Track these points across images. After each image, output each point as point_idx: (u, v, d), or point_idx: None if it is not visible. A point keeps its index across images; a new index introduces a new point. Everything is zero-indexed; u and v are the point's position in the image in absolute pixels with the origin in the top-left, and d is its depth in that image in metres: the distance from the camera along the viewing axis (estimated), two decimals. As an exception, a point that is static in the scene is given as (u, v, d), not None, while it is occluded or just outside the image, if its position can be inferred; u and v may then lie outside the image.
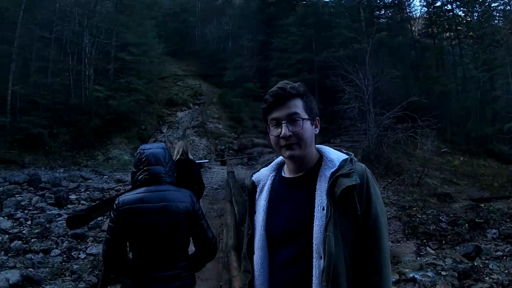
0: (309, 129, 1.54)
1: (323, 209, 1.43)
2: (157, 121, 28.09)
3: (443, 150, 23.58)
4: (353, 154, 1.59)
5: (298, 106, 1.53)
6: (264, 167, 1.78)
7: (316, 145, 1.62)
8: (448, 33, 30.61)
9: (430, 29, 30.80)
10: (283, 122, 1.51)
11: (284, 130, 1.50)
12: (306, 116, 1.53)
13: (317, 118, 1.61)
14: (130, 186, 2.64)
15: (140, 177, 2.52)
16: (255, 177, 1.74)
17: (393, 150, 20.01)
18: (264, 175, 1.73)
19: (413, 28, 33.83)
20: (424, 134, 18.84)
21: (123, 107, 24.39)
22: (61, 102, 24.34)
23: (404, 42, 29.20)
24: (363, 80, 21.07)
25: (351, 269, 1.42)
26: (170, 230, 2.45)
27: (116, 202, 2.47)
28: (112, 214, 2.46)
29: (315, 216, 1.44)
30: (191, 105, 30.77)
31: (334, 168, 1.48)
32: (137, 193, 2.47)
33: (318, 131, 1.61)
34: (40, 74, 23.97)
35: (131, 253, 2.56)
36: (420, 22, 34.75)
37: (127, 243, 2.49)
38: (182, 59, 40.95)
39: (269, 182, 1.66)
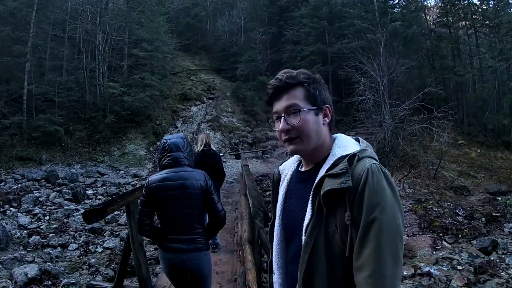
0: (311, 121, 1.41)
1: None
2: (172, 116, 28.24)
3: (459, 142, 23.24)
4: (365, 146, 1.41)
5: (297, 96, 1.42)
6: (291, 157, 1.74)
7: (335, 135, 1.51)
8: (463, 22, 29.96)
9: (445, 18, 30.17)
10: (282, 115, 1.44)
11: (282, 124, 1.43)
12: (309, 107, 1.41)
13: (327, 106, 1.46)
14: (145, 181, 3.25)
15: (164, 161, 3.19)
16: (281, 166, 1.72)
17: (409, 142, 19.75)
18: (288, 166, 1.69)
19: (428, 17, 33.30)
20: (440, 125, 18.55)
21: (137, 103, 24.57)
22: (76, 99, 24.72)
23: (419, 32, 28.68)
24: (378, 71, 20.80)
25: None
26: (187, 202, 3.08)
27: (147, 181, 3.18)
28: (143, 190, 3.14)
29: (305, 217, 1.36)
30: (204, 99, 30.87)
31: (328, 166, 1.36)
32: (162, 174, 3.14)
33: (328, 120, 1.46)
34: (55, 73, 24.27)
35: (158, 222, 3.25)
36: (435, 11, 34.13)
37: (155, 213, 3.17)
38: (195, 53, 41.15)
39: (289, 173, 1.61)
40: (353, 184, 1.22)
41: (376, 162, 1.30)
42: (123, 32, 27.80)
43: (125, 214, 10.84)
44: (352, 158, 1.30)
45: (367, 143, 1.47)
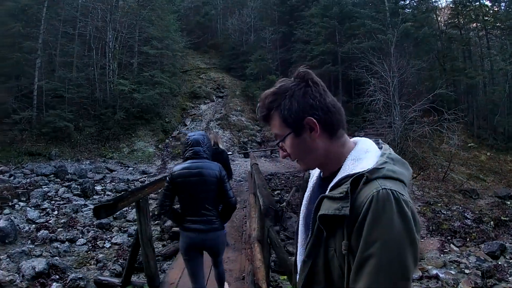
0: (295, 144, 1.27)
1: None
2: (181, 113, 28.32)
3: (469, 145, 23.02)
4: (382, 161, 1.15)
5: (275, 124, 1.29)
6: None
7: (358, 139, 1.33)
8: (474, 24, 29.70)
9: (456, 20, 29.90)
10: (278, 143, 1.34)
11: (280, 153, 1.35)
12: (287, 131, 1.26)
13: (308, 118, 1.22)
14: (154, 178, 4.02)
15: (186, 154, 3.75)
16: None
17: (418, 144, 19.64)
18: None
19: (439, 18, 32.99)
20: (450, 128, 18.41)
21: (147, 100, 24.72)
22: (86, 96, 24.98)
23: (430, 33, 28.43)
24: (388, 72, 20.69)
25: None
26: (203, 188, 3.59)
27: (171, 170, 3.75)
28: (167, 178, 3.69)
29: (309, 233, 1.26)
30: (214, 97, 30.93)
31: (332, 184, 1.21)
32: (184, 164, 3.68)
33: (317, 131, 1.23)
34: (65, 69, 24.51)
35: (178, 206, 3.75)
36: (446, 12, 33.82)
37: (175, 198, 3.68)
38: (205, 52, 41.25)
39: (315, 175, 1.47)
40: (353, 212, 1.05)
41: (388, 186, 1.05)
42: (134, 30, 27.93)
43: (133, 210, 11.00)
44: (358, 180, 1.09)
45: (390, 153, 1.21)
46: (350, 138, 1.33)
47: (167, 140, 25.09)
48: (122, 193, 11.29)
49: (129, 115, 24.56)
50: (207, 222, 3.61)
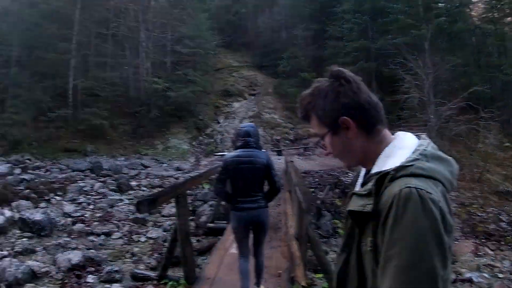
0: (333, 143, 1.27)
1: None
2: (214, 111, 28.63)
3: (505, 144, 22.21)
4: (413, 158, 1.08)
5: (314, 123, 1.31)
6: None
7: (397, 133, 1.28)
8: (509, 18, 28.67)
9: (490, 14, 28.91)
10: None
11: (323, 151, 1.36)
12: (324, 131, 1.27)
13: (340, 118, 1.21)
14: (188, 175, 4.46)
15: (238, 143, 4.18)
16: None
17: (453, 143, 19.11)
18: None
19: (473, 13, 31.98)
20: (486, 126, 17.82)
21: (180, 98, 25.15)
22: (121, 94, 25.59)
23: (464, 28, 27.61)
24: (423, 68, 20.22)
25: None
26: (253, 174, 4.03)
27: (225, 157, 4.21)
28: (222, 164, 4.17)
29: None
30: (246, 95, 31.10)
31: (362, 181, 1.25)
32: (236, 152, 4.11)
33: (352, 130, 1.22)
34: (99, 69, 25.33)
35: (230, 189, 4.16)
36: (480, 6, 32.71)
37: (228, 182, 4.12)
38: (236, 50, 41.39)
39: (363, 172, 1.39)
40: (378, 211, 1.03)
41: (413, 185, 0.99)
42: (166, 29, 28.37)
43: (168, 205, 11.16)
44: (383, 178, 1.06)
45: (425, 149, 1.14)
46: (393, 133, 1.29)
47: (200, 137, 25.43)
48: (163, 188, 11.50)
49: (163, 113, 24.99)
50: (255, 202, 4.07)
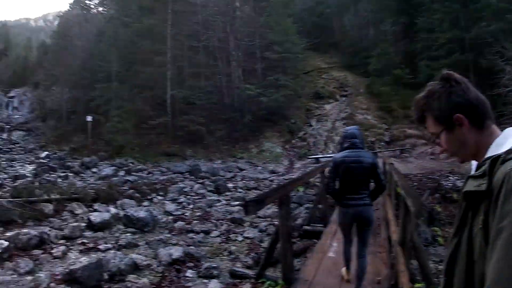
0: (450, 140, 1.37)
1: None
2: (306, 114, 28.34)
3: None
4: None
5: (429, 124, 1.41)
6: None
7: (505, 130, 1.30)
8: None
9: None
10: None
11: (439, 149, 1.46)
12: (440, 129, 1.38)
13: (454, 116, 1.31)
14: (282, 177, 5.30)
15: (345, 145, 4.45)
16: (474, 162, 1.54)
17: None
18: None
19: None
20: None
21: (272, 103, 25.41)
22: (215, 102, 26.64)
23: None
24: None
25: None
26: (360, 173, 4.28)
27: (333, 158, 4.57)
28: (331, 165, 4.50)
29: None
30: (338, 97, 30.34)
31: (476, 165, 1.30)
32: (343, 153, 4.39)
33: (467, 125, 1.31)
34: (194, 79, 26.79)
35: (338, 186, 4.45)
36: None
37: (337, 180, 4.42)
38: (325, 51, 40.67)
39: (474, 165, 1.43)
40: (490, 190, 1.07)
41: None
42: (254, 37, 28.86)
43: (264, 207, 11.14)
44: (495, 161, 1.12)
45: None
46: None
47: (293, 141, 25.35)
48: (267, 190, 11.59)
49: (256, 118, 25.44)
50: (361, 199, 4.32)
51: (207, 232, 9.64)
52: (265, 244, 8.40)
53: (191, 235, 9.43)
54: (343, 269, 4.81)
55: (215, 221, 10.69)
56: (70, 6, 49.53)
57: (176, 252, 7.59)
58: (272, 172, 19.46)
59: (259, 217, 11.28)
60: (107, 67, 27.19)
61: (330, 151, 22.34)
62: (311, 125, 26.78)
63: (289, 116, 27.24)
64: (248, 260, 7.74)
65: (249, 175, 18.58)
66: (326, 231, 7.33)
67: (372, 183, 4.49)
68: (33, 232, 8.56)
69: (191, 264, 7.33)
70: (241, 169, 19.95)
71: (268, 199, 4.65)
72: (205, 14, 30.02)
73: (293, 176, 17.25)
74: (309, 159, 21.59)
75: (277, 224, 9.35)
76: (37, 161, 21.93)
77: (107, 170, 18.65)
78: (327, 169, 6.44)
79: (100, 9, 44.38)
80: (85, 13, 42.84)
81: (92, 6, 44.55)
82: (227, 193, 14.63)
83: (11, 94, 44.54)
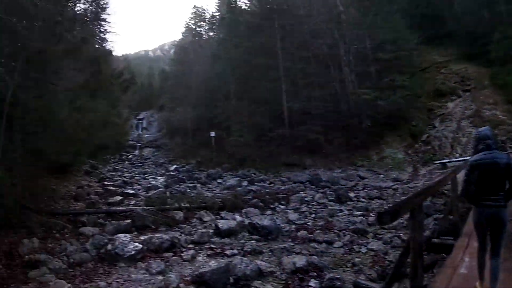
0: None
1: None
2: (427, 115, 26.46)
3: None
4: None
5: None
6: None
7: None
8: None
9: None
10: None
11: None
12: None
13: None
14: (407, 185, 5.58)
15: (479, 147, 4.44)
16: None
17: None
18: None
19: None
20: None
21: (390, 105, 24.43)
22: (331, 109, 26.29)
23: None
24: None
25: None
26: (497, 174, 4.27)
27: (469, 162, 4.57)
28: (467, 168, 4.50)
29: None
30: (460, 92, 27.91)
31: None
32: (479, 155, 4.40)
33: None
34: (308, 89, 27.13)
35: (473, 189, 4.43)
36: None
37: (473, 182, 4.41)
38: (439, 44, 37.52)
39: None
40: None
41: None
42: (363, 39, 28.25)
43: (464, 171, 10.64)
44: None
45: None
46: None
47: (416, 145, 23.88)
48: (400, 200, 11.29)
49: (375, 123, 24.74)
50: (497, 201, 4.29)
51: (329, 242, 9.74)
52: (390, 257, 8.31)
53: (313, 244, 9.63)
54: (477, 283, 4.59)
55: (337, 231, 10.74)
56: (183, 35, 53.90)
57: (300, 261, 7.85)
58: (395, 180, 18.59)
59: (383, 228, 11.04)
60: (225, 86, 29.64)
61: (457, 155, 20.78)
62: (434, 127, 24.96)
63: (409, 118, 25.86)
64: (372, 272, 7.68)
65: (371, 183, 18.12)
66: (457, 244, 6.76)
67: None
68: (165, 236, 9.68)
69: (314, 274, 7.46)
70: (362, 178, 19.55)
71: (403, 210, 4.54)
72: (311, 23, 30.11)
73: (418, 184, 16.52)
74: (435, 165, 20.23)
75: (404, 236, 9.23)
76: (167, 173, 24.15)
77: (232, 181, 19.92)
78: (460, 174, 6.63)
79: (211, 34, 47.31)
80: (197, 40, 45.95)
81: (203, 32, 47.68)
82: (349, 203, 14.52)
83: (140, 117, 49.40)
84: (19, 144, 11.05)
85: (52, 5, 11.80)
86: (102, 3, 22.33)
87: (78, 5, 20.27)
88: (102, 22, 22.67)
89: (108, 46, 25.67)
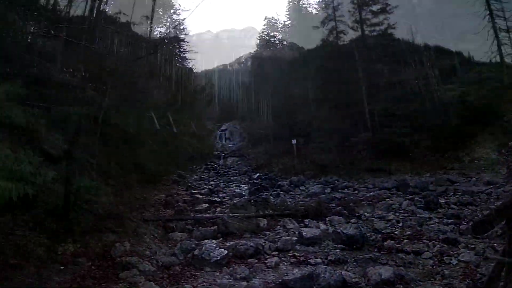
0: None
1: None
2: (521, 108, 24.04)
3: None
4: None
5: None
6: None
7: None
8: None
9: None
10: None
11: None
12: None
13: None
14: (501, 189, 4.85)
15: None
16: None
17: None
18: None
19: None
20: None
21: (479, 100, 22.96)
22: (416, 110, 25.23)
23: None
24: None
25: None
26: None
27: None
28: None
29: None
30: None
31: None
32: None
33: None
34: (389, 90, 26.53)
35: None
36: None
37: None
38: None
39: None
40: None
41: None
42: (443, 30, 27.08)
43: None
44: None
45: None
46: None
47: (510, 143, 21.55)
48: (495, 207, 10.59)
49: (463, 121, 23.07)
50: None
51: (417, 253, 9.28)
52: (482, 270, 7.77)
53: (400, 255, 9.26)
54: None
55: (426, 241, 10.13)
56: (258, 47, 55.39)
57: (386, 272, 7.58)
58: (489, 183, 16.88)
59: (476, 237, 10.34)
60: (303, 93, 29.31)
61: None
62: (530, 121, 22.58)
63: (500, 113, 23.27)
64: (463, 286, 7.26)
65: (462, 188, 16.78)
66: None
67: None
68: (250, 243, 9.87)
69: (401, 287, 7.23)
70: (453, 182, 18.19)
71: (498, 219, 4.28)
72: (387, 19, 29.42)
73: (515, 188, 15.12)
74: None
75: (498, 246, 8.56)
76: (250, 181, 24.27)
77: (315, 188, 19.68)
78: None
79: (285, 42, 47.76)
80: (272, 50, 46.71)
81: (277, 42, 48.28)
82: (439, 210, 13.65)
83: (223, 128, 50.65)
84: (113, 158, 12.01)
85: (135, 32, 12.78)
86: (180, 27, 23.81)
87: (157, 29, 21.74)
88: (181, 43, 24.13)
89: (189, 64, 27.43)
